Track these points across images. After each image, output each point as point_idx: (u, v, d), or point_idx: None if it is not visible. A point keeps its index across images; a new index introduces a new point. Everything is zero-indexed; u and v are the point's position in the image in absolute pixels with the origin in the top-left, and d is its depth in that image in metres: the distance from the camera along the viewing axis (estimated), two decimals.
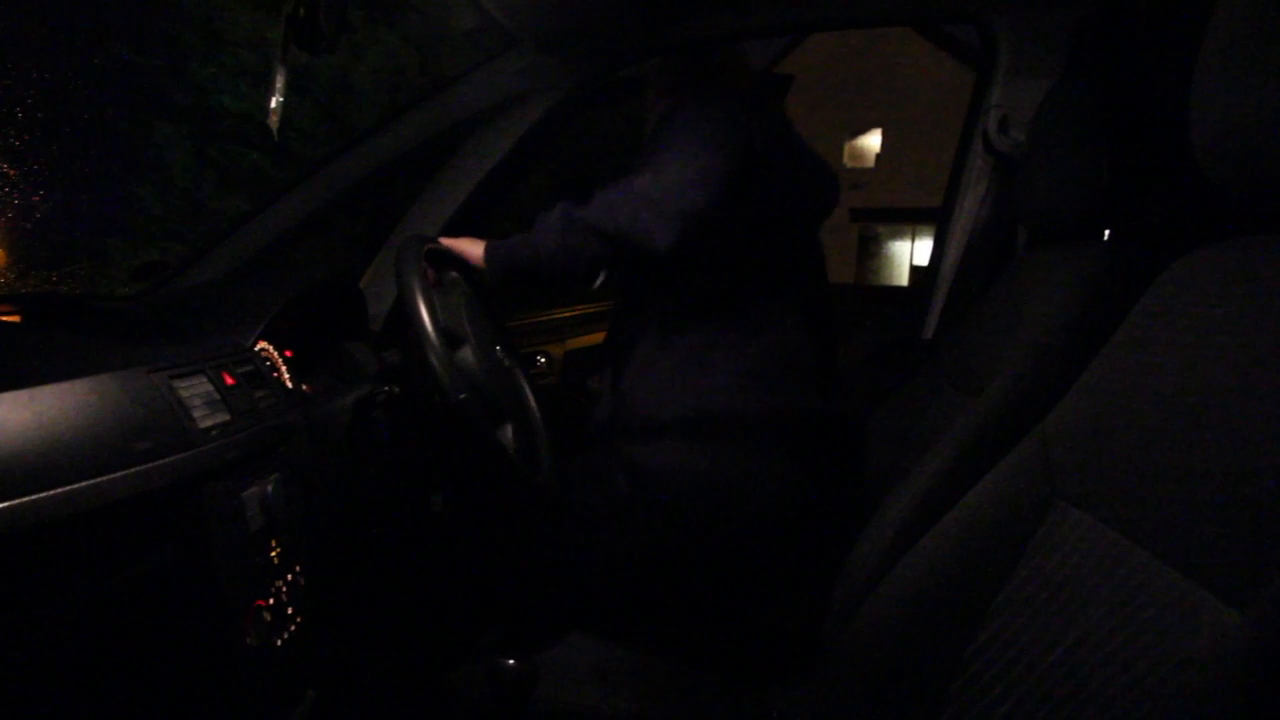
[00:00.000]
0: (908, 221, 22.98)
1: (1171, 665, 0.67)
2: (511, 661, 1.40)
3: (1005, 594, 0.91)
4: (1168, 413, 0.78)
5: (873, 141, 23.52)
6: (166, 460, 1.10)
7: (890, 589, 1.05)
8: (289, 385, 1.56)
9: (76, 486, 0.97)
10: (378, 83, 5.16)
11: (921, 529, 1.07)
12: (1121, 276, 1.32)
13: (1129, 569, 0.76)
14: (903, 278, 23.30)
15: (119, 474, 1.03)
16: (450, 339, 1.56)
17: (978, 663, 0.90)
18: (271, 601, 1.33)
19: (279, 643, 1.34)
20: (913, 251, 23.48)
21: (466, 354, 1.62)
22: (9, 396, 0.95)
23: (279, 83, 1.38)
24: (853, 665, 1.07)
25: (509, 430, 1.64)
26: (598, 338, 2.68)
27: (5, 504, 0.88)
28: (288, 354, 1.62)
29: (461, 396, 1.48)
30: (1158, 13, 1.76)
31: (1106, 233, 1.52)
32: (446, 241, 1.78)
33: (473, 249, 1.77)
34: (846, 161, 23.35)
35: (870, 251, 23.95)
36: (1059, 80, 1.74)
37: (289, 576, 1.38)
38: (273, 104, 1.38)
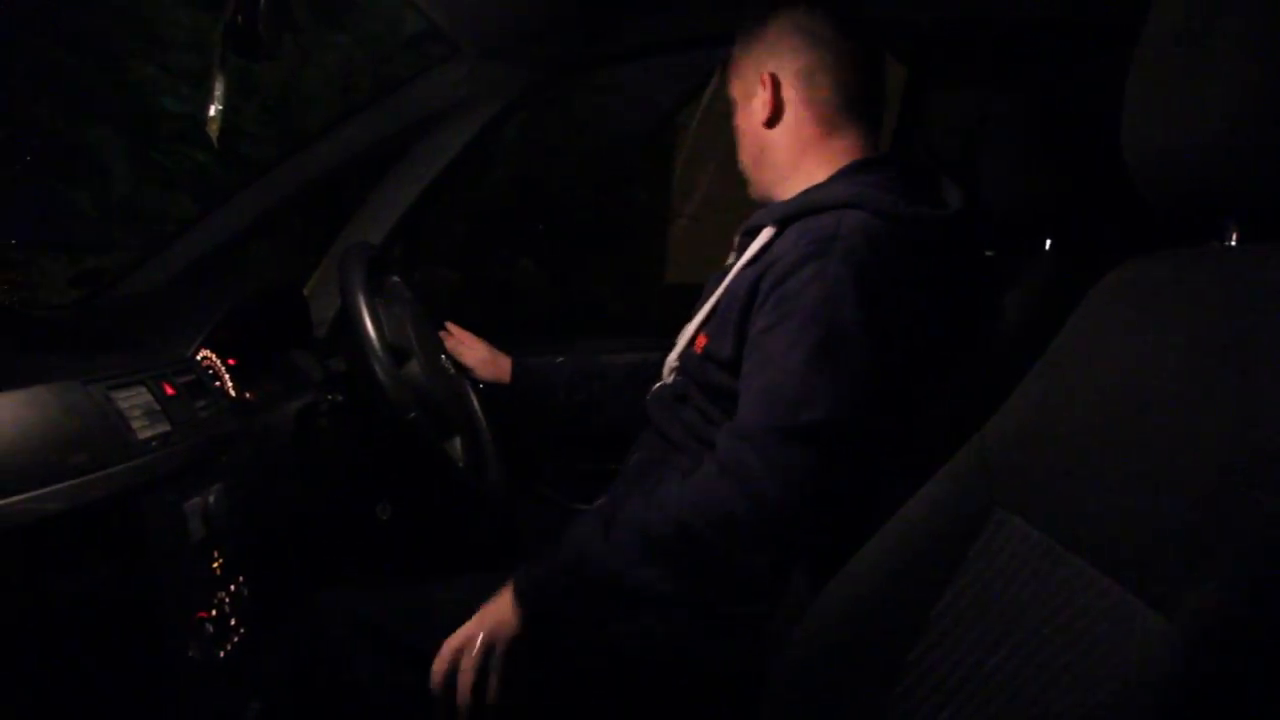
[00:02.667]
0: None
1: (1102, 673, 0.68)
2: None
3: (945, 601, 0.92)
4: (1100, 421, 0.80)
5: None
6: (104, 472, 1.09)
7: (831, 597, 1.06)
8: (232, 394, 1.55)
9: (11, 500, 0.95)
10: (328, 85, 5.10)
11: (863, 537, 1.08)
12: (1060, 286, 1.34)
13: (1064, 576, 0.77)
14: None
15: (55, 487, 1.01)
16: (396, 353, 1.54)
17: (918, 670, 0.91)
18: (214, 613, 1.31)
19: (222, 655, 1.33)
20: None
21: (413, 368, 1.60)
22: None
23: (217, 90, 1.37)
24: (793, 674, 1.07)
25: (457, 443, 1.63)
26: None
27: None
28: (230, 362, 1.61)
29: (411, 415, 1.46)
30: (1096, 25, 1.79)
31: (1048, 242, 1.54)
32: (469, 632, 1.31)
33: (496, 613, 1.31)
34: None
35: None
36: (1002, 91, 1.76)
37: (232, 587, 1.37)
38: (211, 111, 1.37)
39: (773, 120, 1.51)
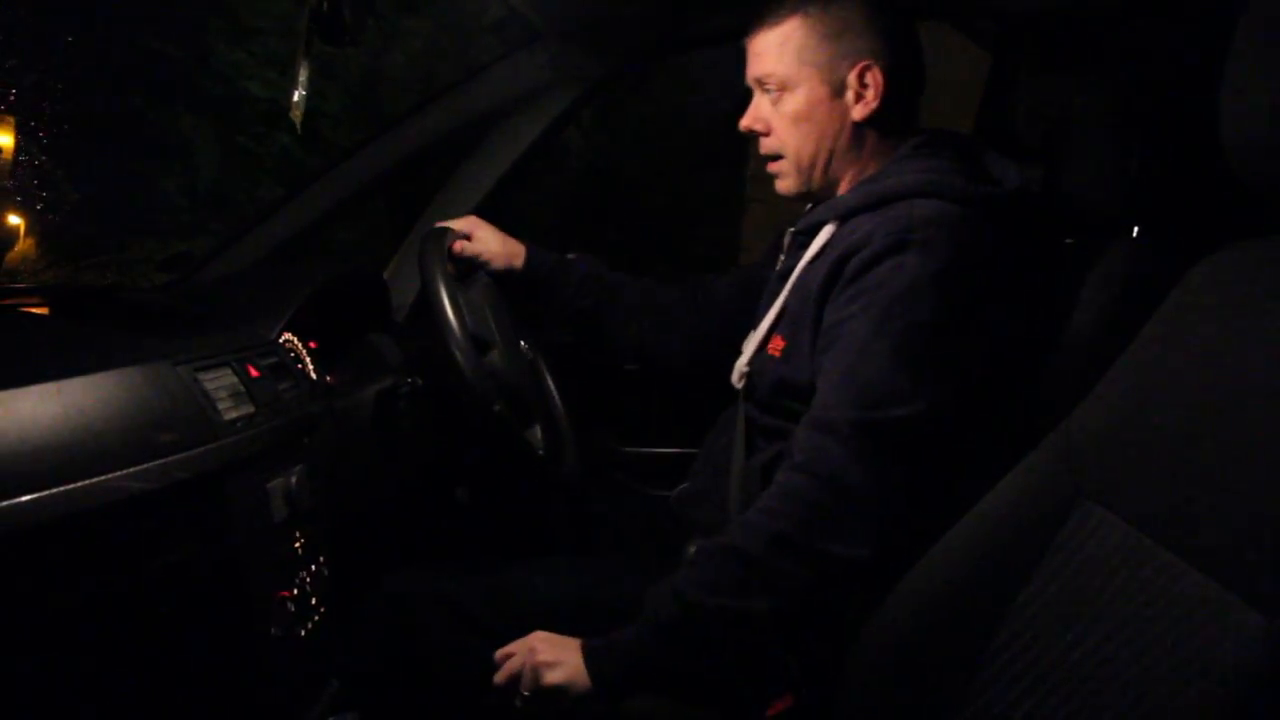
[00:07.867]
0: None
1: (1194, 670, 0.66)
2: None
3: (1027, 593, 0.91)
4: (1194, 413, 0.78)
5: None
6: (191, 452, 1.11)
7: (908, 588, 1.05)
8: (313, 377, 1.57)
9: (103, 479, 0.97)
10: (411, 70, 5.13)
11: (941, 528, 1.06)
12: (1149, 274, 1.31)
13: (1153, 570, 0.76)
14: None
15: (144, 466, 1.03)
16: (477, 342, 1.55)
17: (997, 663, 0.90)
18: (295, 592, 1.33)
19: (302, 633, 1.35)
20: None
21: (495, 357, 1.60)
22: (37, 389, 0.96)
23: (302, 76, 1.39)
24: (869, 665, 1.06)
25: (538, 431, 1.64)
26: None
27: (34, 496, 0.89)
28: (312, 345, 1.63)
29: (496, 408, 1.47)
30: (1187, 6, 1.74)
31: (1135, 229, 1.50)
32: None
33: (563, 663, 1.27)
34: None
35: None
36: (1088, 74, 1.72)
37: (313, 567, 1.39)
38: (295, 97, 1.39)
39: (874, 116, 1.43)
